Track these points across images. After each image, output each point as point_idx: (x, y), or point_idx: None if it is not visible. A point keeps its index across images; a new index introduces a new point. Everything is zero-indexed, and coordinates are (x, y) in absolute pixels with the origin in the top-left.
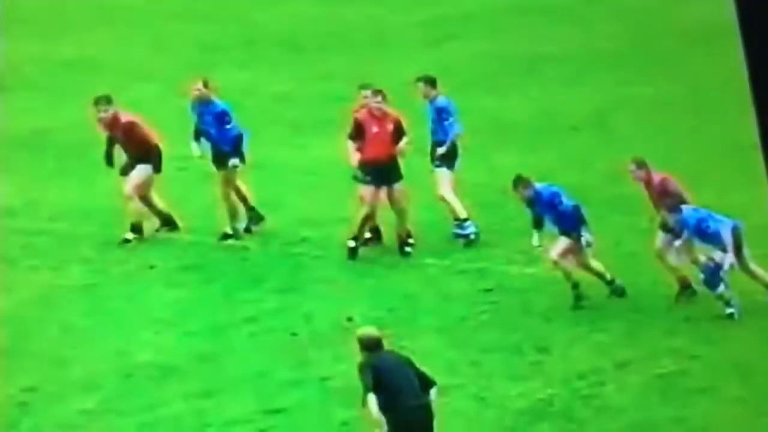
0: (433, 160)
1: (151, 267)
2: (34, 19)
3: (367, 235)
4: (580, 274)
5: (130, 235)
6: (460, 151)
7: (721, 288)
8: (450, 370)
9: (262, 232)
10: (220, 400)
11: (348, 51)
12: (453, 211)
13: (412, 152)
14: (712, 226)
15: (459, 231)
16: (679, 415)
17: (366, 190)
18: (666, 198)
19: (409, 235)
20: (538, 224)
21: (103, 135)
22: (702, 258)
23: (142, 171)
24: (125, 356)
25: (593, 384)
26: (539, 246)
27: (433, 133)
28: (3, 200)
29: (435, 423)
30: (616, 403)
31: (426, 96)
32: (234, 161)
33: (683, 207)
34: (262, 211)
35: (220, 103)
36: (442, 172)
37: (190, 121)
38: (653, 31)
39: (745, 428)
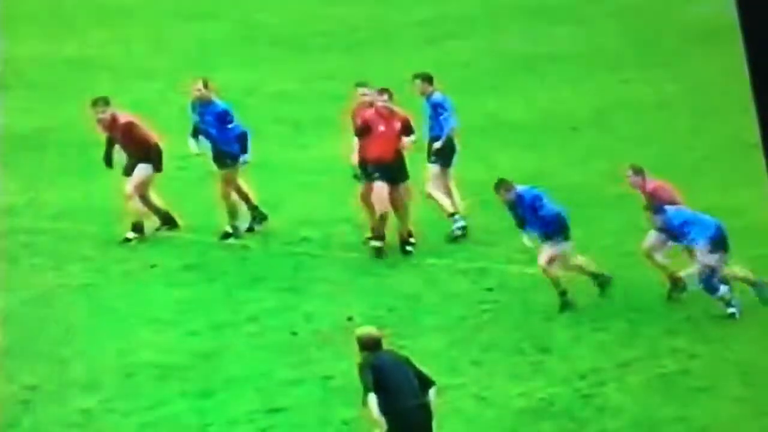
0: (428, 155)
1: (152, 266)
2: (34, 18)
3: (368, 234)
4: (569, 278)
5: (131, 234)
6: (458, 148)
7: (722, 291)
8: (451, 370)
9: (262, 232)
10: (220, 400)
11: (349, 50)
12: (440, 207)
13: (413, 150)
14: (692, 232)
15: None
16: (680, 414)
17: (379, 188)
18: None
19: (410, 235)
20: (521, 225)
21: (103, 135)
22: (695, 269)
23: (142, 170)
24: (126, 355)
25: (594, 383)
26: (532, 245)
27: (430, 129)
28: (4, 199)
29: (434, 423)
30: (617, 403)
31: (422, 93)
32: (244, 158)
33: (667, 207)
34: (263, 209)
35: (220, 103)
36: (432, 169)
37: (190, 121)
38: (653, 31)
39: (745, 427)
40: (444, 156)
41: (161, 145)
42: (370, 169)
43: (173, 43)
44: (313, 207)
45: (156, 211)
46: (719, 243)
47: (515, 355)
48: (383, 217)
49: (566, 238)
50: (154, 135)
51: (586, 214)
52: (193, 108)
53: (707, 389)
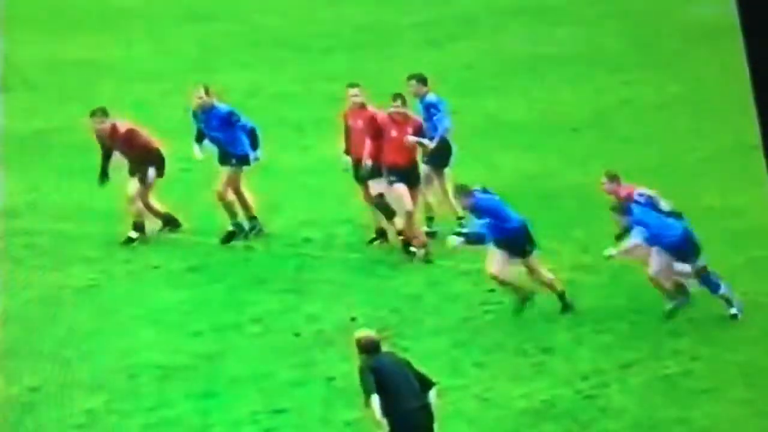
0: (422, 156)
1: (155, 267)
2: (36, 20)
3: (372, 235)
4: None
5: (133, 234)
6: (454, 148)
7: (723, 289)
8: (453, 371)
9: (265, 233)
10: (224, 401)
11: (351, 52)
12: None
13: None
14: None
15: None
16: (683, 415)
17: (401, 188)
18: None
19: (413, 236)
20: (483, 238)
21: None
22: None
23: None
24: (129, 356)
25: (596, 385)
26: (456, 246)
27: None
28: (6, 200)
29: (436, 424)
30: (620, 404)
31: (417, 94)
32: (255, 154)
33: (633, 208)
34: (265, 211)
35: (222, 106)
36: (425, 169)
37: (193, 128)
38: (654, 31)
39: (748, 429)
40: (438, 157)
41: (162, 149)
42: (385, 173)
43: (175, 45)
44: (315, 208)
45: (157, 214)
46: (681, 248)
47: (517, 356)
48: (410, 215)
49: (531, 249)
50: (155, 141)
51: (587, 214)
52: (195, 116)
53: (709, 391)
